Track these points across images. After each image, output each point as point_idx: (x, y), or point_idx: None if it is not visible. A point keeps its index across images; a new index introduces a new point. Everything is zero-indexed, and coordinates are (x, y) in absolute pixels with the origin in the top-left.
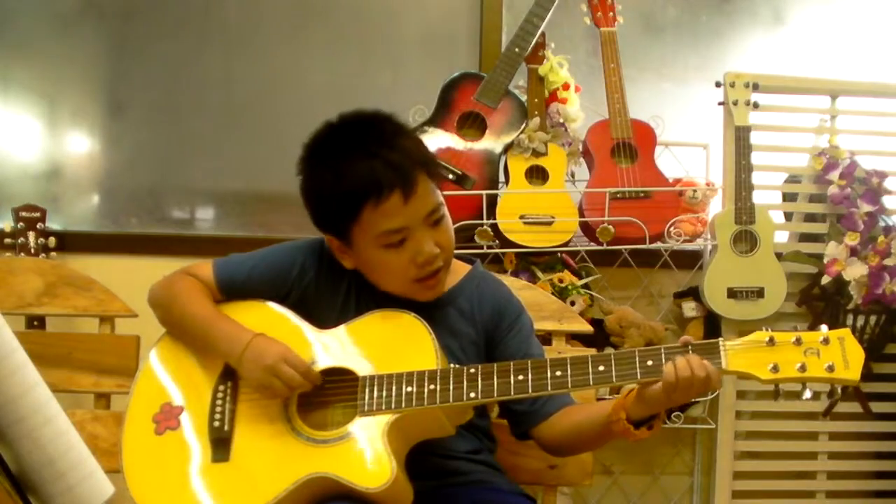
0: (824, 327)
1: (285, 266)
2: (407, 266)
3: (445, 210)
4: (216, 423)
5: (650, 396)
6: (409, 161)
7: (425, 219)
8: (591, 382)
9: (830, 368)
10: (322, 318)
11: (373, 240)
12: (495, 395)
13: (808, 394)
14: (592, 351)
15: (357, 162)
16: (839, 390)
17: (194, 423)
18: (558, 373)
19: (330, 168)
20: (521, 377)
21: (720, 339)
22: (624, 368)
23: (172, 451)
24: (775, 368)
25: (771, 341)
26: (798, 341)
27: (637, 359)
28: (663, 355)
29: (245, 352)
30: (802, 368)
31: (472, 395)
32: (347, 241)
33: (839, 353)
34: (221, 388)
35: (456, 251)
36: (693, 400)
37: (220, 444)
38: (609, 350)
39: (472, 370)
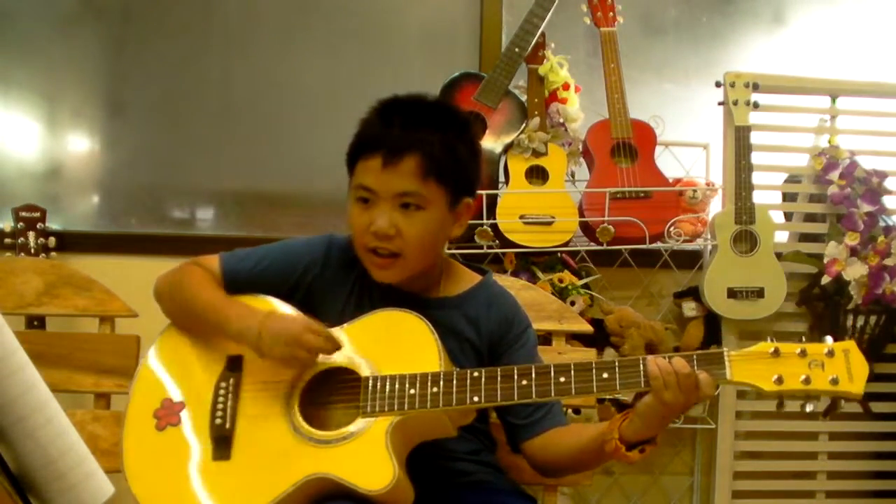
0: (829, 339)
1: (291, 263)
2: (364, 229)
3: (429, 206)
4: (218, 421)
5: (645, 408)
6: (408, 140)
7: (395, 196)
8: (595, 389)
9: (834, 381)
10: (326, 315)
11: (353, 189)
12: (499, 399)
13: (809, 406)
14: (593, 351)
15: (376, 121)
16: (842, 403)
17: (195, 420)
18: (562, 379)
19: (365, 119)
20: (524, 382)
21: (724, 349)
22: (628, 376)
23: (173, 448)
24: (779, 380)
25: (776, 352)
26: (803, 353)
27: (641, 366)
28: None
29: (263, 330)
30: (806, 381)
31: (476, 398)
32: (350, 182)
33: (843, 366)
34: (223, 384)
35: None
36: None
37: (222, 442)
38: (609, 350)
39: (476, 374)
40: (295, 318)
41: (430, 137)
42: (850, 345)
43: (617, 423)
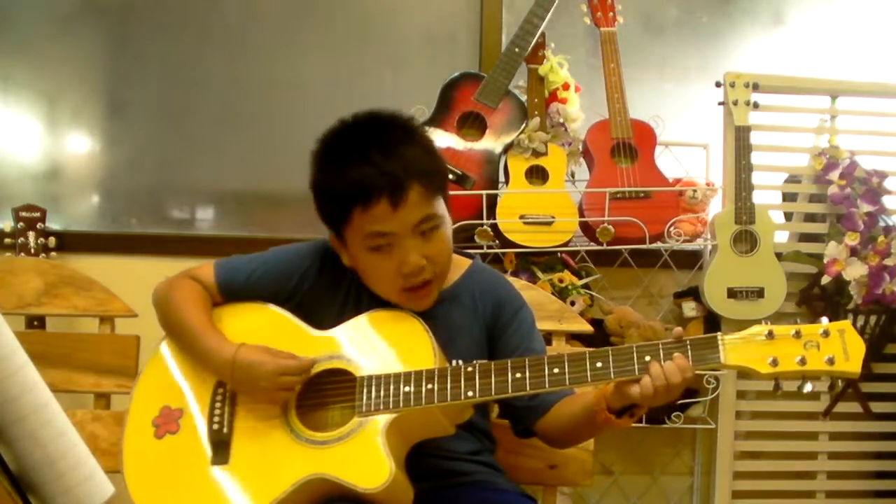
0: (824, 319)
1: (287, 271)
2: (394, 274)
3: (442, 221)
4: (215, 426)
5: (627, 393)
6: (403, 170)
7: (414, 228)
8: (589, 379)
9: (830, 361)
10: (322, 318)
11: (361, 240)
12: (493, 393)
13: (808, 387)
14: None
15: (353, 165)
16: (840, 383)
17: (194, 427)
18: (556, 370)
19: (330, 167)
20: (518, 375)
21: (718, 333)
22: (622, 365)
23: (173, 455)
24: (775, 362)
25: (770, 335)
26: (797, 334)
27: (635, 355)
28: (661, 351)
29: (234, 374)
30: (802, 361)
31: (470, 393)
32: (342, 239)
33: (839, 346)
34: (220, 390)
35: (455, 249)
36: (681, 401)
37: (220, 447)
38: None
39: (470, 369)
40: (263, 361)
41: (413, 154)
42: (846, 324)
43: (602, 394)
